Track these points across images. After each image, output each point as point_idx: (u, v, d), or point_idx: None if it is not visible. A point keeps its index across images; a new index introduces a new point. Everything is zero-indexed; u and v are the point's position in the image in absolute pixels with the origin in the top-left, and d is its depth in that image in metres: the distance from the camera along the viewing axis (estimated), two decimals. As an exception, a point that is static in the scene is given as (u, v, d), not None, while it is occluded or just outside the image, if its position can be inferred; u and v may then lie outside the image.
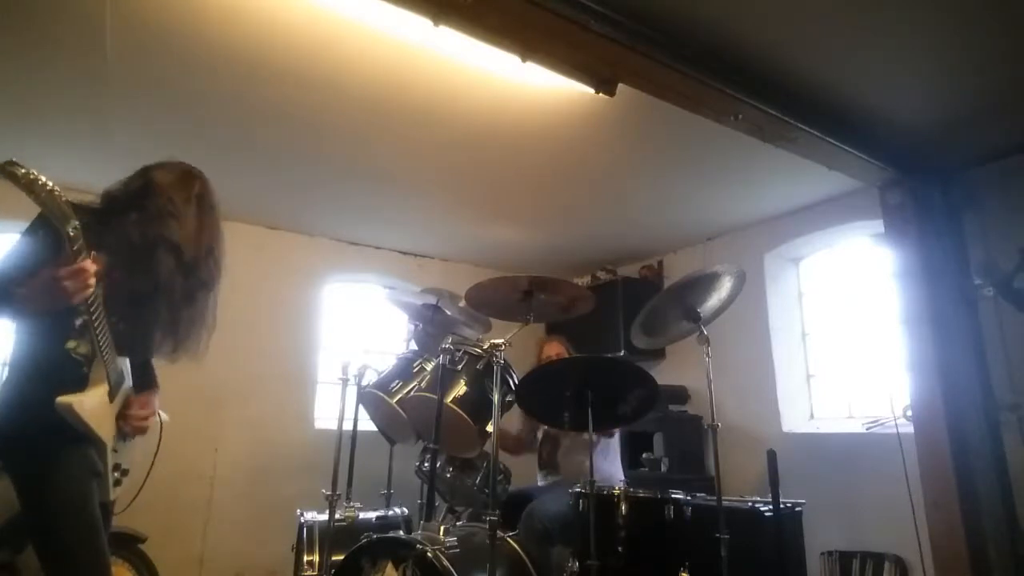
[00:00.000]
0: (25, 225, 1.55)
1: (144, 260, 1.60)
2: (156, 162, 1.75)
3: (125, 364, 1.71)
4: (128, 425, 1.71)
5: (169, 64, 2.49)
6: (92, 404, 1.54)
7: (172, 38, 2.33)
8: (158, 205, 1.64)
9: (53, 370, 1.54)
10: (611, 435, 3.09)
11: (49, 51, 2.40)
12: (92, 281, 1.40)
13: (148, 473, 1.88)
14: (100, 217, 1.60)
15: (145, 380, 1.84)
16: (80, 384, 1.54)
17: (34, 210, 1.43)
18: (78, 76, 2.56)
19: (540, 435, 3.30)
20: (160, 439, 1.93)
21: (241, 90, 2.67)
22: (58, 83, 2.62)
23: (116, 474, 1.73)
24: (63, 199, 1.31)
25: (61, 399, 1.47)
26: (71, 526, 1.49)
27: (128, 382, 1.74)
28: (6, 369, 1.59)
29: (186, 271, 1.68)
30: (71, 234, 1.35)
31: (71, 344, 1.56)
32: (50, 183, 1.27)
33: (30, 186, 1.25)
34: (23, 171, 1.24)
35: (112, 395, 1.63)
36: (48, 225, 1.40)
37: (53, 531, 1.49)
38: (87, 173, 3.38)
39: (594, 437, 2.96)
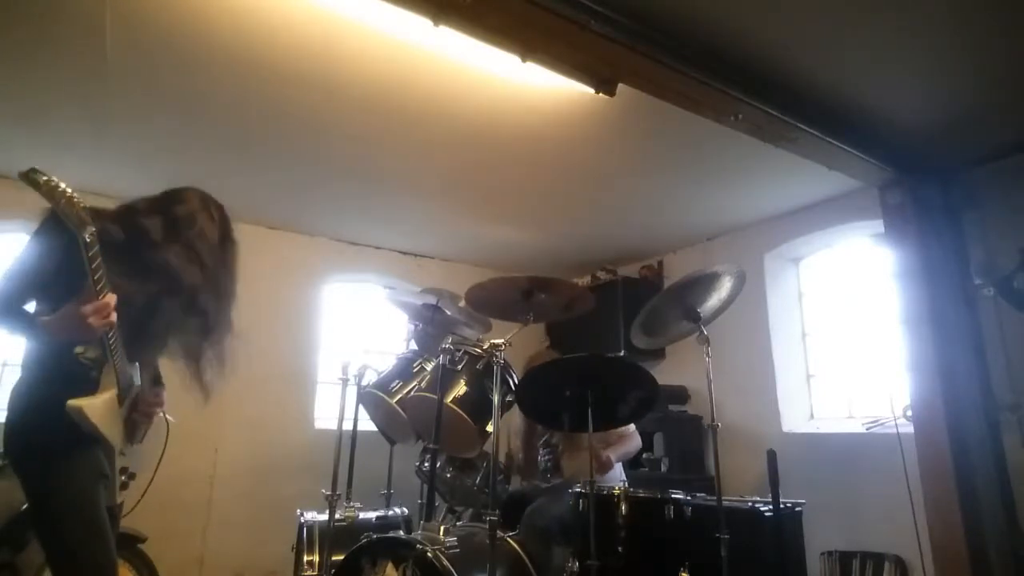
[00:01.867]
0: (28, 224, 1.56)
1: (155, 277, 1.63)
2: (179, 187, 1.77)
3: (135, 368, 1.71)
4: (139, 412, 1.73)
5: (169, 64, 2.49)
6: (101, 407, 1.55)
7: (172, 38, 2.32)
8: (181, 233, 1.68)
9: (63, 374, 1.56)
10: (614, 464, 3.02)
11: (49, 51, 2.40)
12: (114, 317, 1.45)
13: (153, 475, 1.89)
14: (120, 226, 1.62)
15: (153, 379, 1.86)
16: (90, 387, 1.55)
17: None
18: (78, 76, 2.56)
19: (540, 443, 3.23)
20: (166, 442, 1.94)
21: (241, 90, 2.67)
22: (58, 83, 2.61)
23: (123, 477, 1.74)
24: (81, 205, 1.34)
25: (71, 402, 1.48)
26: (76, 528, 1.50)
27: (139, 386, 1.74)
28: (7, 370, 1.60)
29: (194, 296, 1.71)
30: (87, 240, 1.37)
31: (79, 349, 1.58)
32: (69, 190, 1.31)
33: (50, 193, 1.29)
34: (44, 179, 1.28)
35: (122, 399, 1.64)
36: (61, 226, 1.41)
37: (59, 532, 1.50)
38: (87, 173, 3.41)
39: (612, 456, 2.92)
